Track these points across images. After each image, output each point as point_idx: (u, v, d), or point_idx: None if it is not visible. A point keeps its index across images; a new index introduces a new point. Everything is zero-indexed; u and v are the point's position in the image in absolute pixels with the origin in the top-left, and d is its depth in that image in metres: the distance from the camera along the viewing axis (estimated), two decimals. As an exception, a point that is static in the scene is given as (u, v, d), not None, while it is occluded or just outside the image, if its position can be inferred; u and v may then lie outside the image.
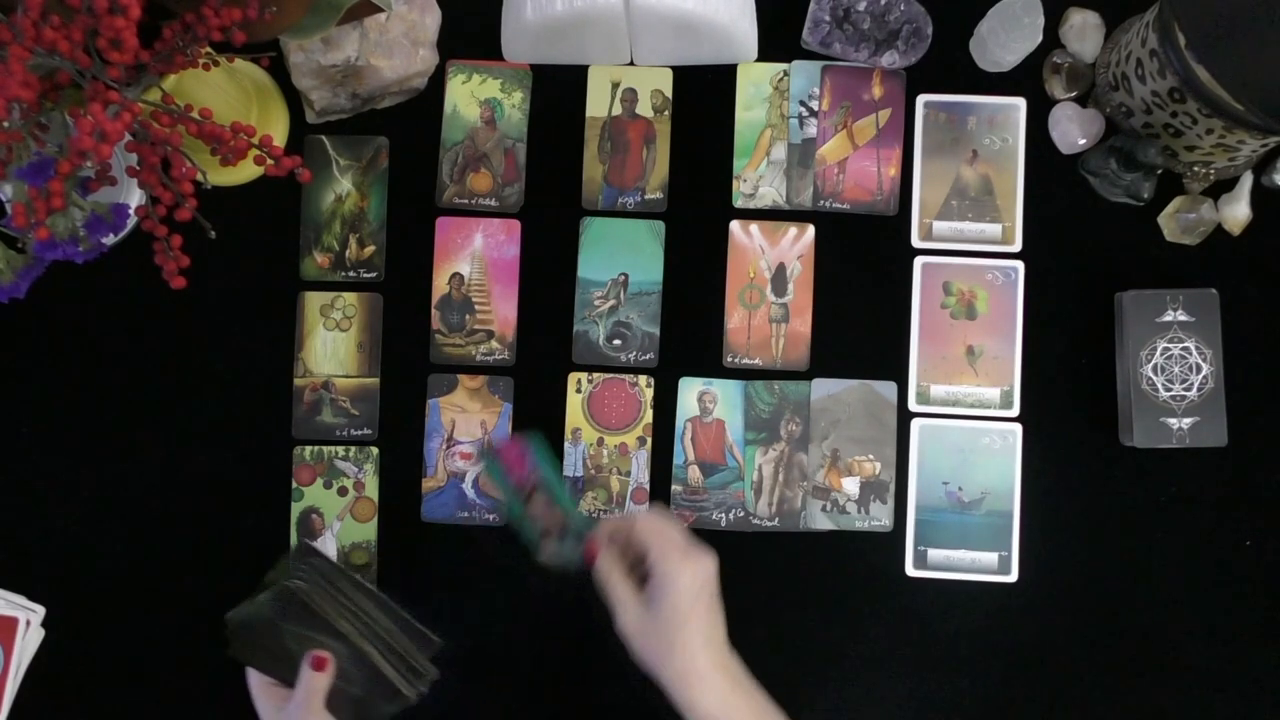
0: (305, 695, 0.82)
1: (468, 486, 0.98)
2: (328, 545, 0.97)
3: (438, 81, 1.00)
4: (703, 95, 1.00)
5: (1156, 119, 0.92)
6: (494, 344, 0.98)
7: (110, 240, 0.88)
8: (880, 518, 0.97)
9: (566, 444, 0.98)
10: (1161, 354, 0.93)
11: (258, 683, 0.85)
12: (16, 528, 0.98)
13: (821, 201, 0.99)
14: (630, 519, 0.83)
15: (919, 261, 0.98)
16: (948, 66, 0.99)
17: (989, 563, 0.96)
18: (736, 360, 0.98)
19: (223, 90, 0.91)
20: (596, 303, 0.98)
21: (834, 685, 0.96)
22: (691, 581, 0.79)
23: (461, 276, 0.99)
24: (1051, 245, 0.98)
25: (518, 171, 1.00)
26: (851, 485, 0.97)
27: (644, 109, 1.00)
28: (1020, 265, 0.98)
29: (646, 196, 0.99)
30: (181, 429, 0.98)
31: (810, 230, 0.99)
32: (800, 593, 0.97)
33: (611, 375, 0.98)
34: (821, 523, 0.97)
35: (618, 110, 1.00)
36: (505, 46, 0.99)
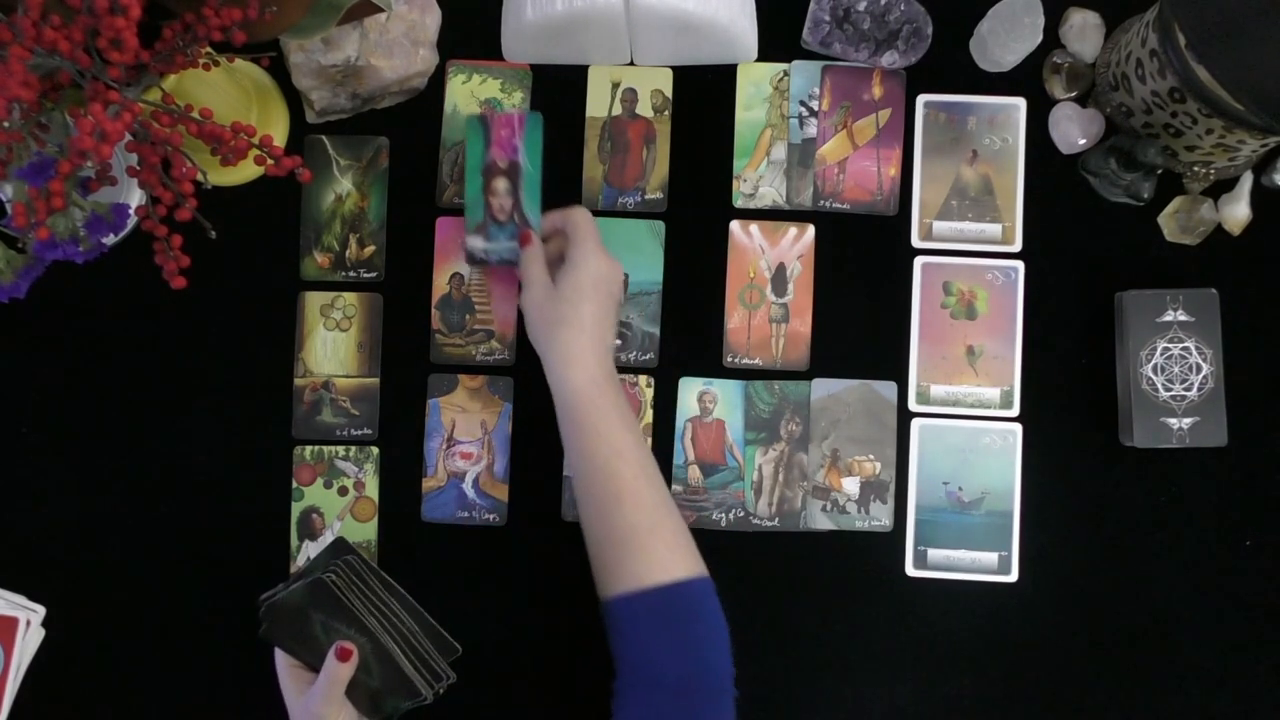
0: (328, 682, 0.84)
1: (468, 486, 0.98)
2: (328, 545, 0.97)
3: (438, 81, 1.00)
4: (703, 95, 1.00)
5: (1156, 119, 0.92)
6: (494, 344, 0.98)
7: (110, 240, 0.88)
8: (880, 518, 0.97)
9: (566, 444, 0.98)
10: (1161, 354, 0.93)
11: (284, 664, 0.87)
12: (16, 528, 0.98)
13: (821, 201, 0.99)
14: (567, 210, 0.90)
15: (919, 261, 0.98)
16: (948, 66, 0.99)
17: (989, 563, 0.96)
18: (736, 360, 0.98)
19: (223, 90, 0.91)
20: (596, 303, 0.98)
21: (834, 685, 0.96)
22: (598, 270, 0.87)
23: (461, 276, 0.99)
24: (1051, 245, 0.98)
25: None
26: (851, 485, 0.97)
27: (644, 109, 1.00)
28: (1020, 265, 0.98)
29: (646, 196, 0.99)
30: (181, 429, 0.98)
31: (810, 230, 0.99)
32: (800, 593, 0.97)
33: (611, 375, 0.98)
34: (821, 523, 0.97)
35: (618, 110, 1.00)
36: (505, 46, 0.99)
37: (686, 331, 0.99)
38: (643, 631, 0.81)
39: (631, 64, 1.00)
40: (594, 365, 0.85)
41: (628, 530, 0.82)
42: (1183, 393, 0.93)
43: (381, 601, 0.88)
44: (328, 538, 0.97)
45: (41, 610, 0.97)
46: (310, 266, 0.99)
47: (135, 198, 0.95)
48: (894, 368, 0.98)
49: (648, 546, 0.82)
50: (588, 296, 0.86)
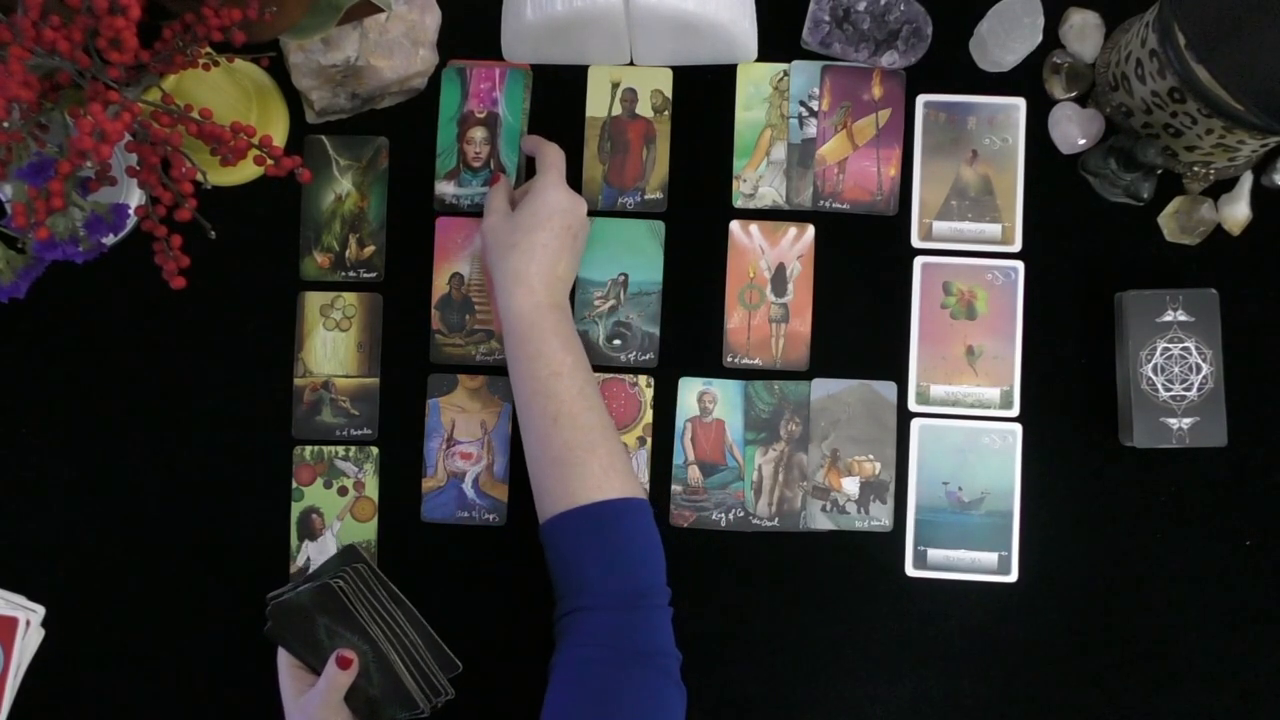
0: (327, 687, 0.85)
1: (468, 486, 0.98)
2: (328, 545, 0.97)
3: (438, 81, 1.00)
4: (703, 95, 1.00)
5: (1156, 119, 0.92)
6: (494, 344, 0.99)
7: (110, 240, 0.88)
8: (880, 518, 0.97)
9: (566, 444, 0.98)
10: (1161, 354, 0.93)
11: (286, 664, 0.88)
12: (16, 528, 0.98)
13: (821, 201, 0.99)
14: (544, 142, 0.93)
15: (919, 261, 0.98)
16: (948, 66, 0.99)
17: (989, 563, 0.96)
18: (736, 360, 0.98)
19: (223, 90, 0.91)
20: (596, 303, 0.98)
21: (834, 685, 0.96)
22: (555, 201, 0.89)
23: (461, 276, 0.99)
24: (1051, 245, 0.98)
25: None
26: (851, 485, 0.97)
27: (644, 109, 1.00)
28: (1020, 265, 0.98)
29: (646, 196, 0.99)
30: (182, 429, 0.98)
31: (810, 230, 0.99)
32: (800, 593, 0.97)
33: (611, 375, 0.98)
34: (821, 523, 0.97)
35: (618, 110, 1.00)
36: (505, 46, 0.99)
37: (686, 331, 0.99)
38: (575, 549, 0.83)
39: (631, 64, 1.00)
40: (540, 290, 0.88)
41: (563, 449, 0.84)
42: (1183, 393, 0.93)
43: (387, 612, 0.89)
44: (328, 538, 0.97)
45: (41, 610, 0.97)
46: (310, 266, 0.99)
47: (135, 198, 0.95)
48: (894, 368, 0.98)
49: (583, 464, 0.83)
50: (541, 224, 0.89)
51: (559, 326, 0.88)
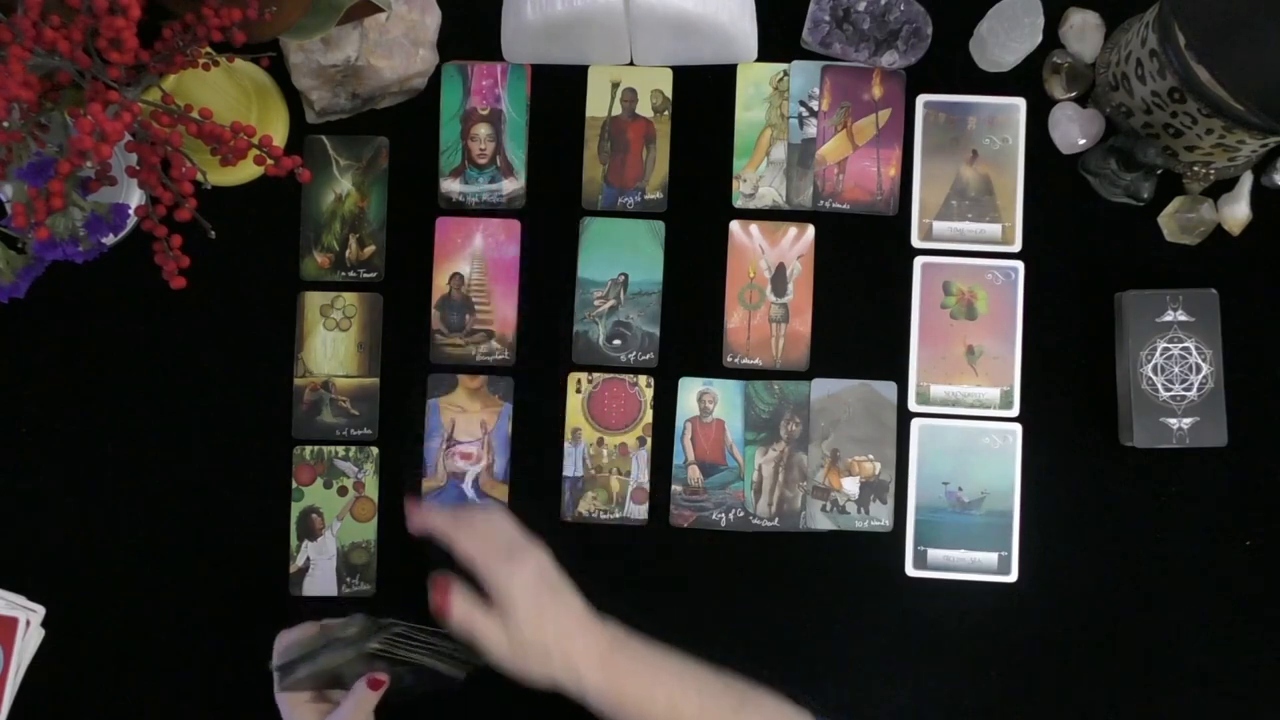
0: (354, 705, 0.82)
1: (468, 486, 0.98)
2: (328, 545, 0.97)
3: (438, 81, 1.00)
4: (703, 95, 1.00)
5: (1156, 119, 0.92)
6: (494, 344, 0.98)
7: (110, 240, 0.88)
8: (880, 518, 0.97)
9: (566, 444, 0.98)
10: (1161, 354, 0.93)
11: (296, 700, 0.85)
12: (16, 528, 0.98)
13: (821, 201, 0.99)
14: (459, 525, 0.82)
15: (919, 261, 0.98)
16: (948, 66, 0.99)
17: (989, 563, 0.96)
18: (736, 360, 0.98)
19: (223, 90, 0.91)
20: (596, 303, 0.98)
21: (834, 685, 0.96)
22: (524, 585, 0.79)
23: (461, 276, 0.99)
24: (1051, 245, 0.98)
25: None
26: (851, 485, 0.97)
27: (644, 109, 1.00)
28: (1020, 265, 0.98)
29: (646, 196, 0.99)
30: (181, 429, 0.98)
31: (810, 230, 0.99)
32: (800, 593, 0.97)
33: (611, 375, 0.98)
34: (821, 523, 0.97)
35: (618, 110, 1.00)
36: (505, 46, 0.99)
37: (686, 331, 0.99)
38: None
39: (631, 64, 1.00)
40: (595, 653, 0.80)
41: None
42: (1183, 393, 0.93)
43: (425, 643, 0.85)
44: (327, 537, 0.97)
45: (41, 610, 0.97)
46: (310, 266, 0.99)
47: (135, 198, 0.95)
48: (894, 368, 0.98)
49: None
50: (539, 618, 0.80)
51: (635, 670, 0.81)
